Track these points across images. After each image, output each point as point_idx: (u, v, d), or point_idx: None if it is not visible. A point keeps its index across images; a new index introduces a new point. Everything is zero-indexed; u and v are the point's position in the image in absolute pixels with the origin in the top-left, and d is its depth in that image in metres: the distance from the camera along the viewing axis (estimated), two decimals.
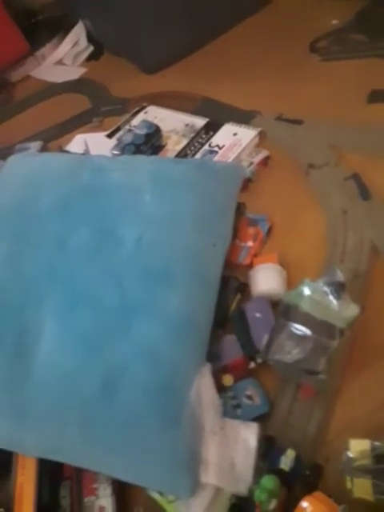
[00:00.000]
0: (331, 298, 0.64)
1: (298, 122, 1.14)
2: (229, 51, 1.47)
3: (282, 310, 0.68)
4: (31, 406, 0.64)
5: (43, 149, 1.30)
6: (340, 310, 0.63)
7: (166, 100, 1.38)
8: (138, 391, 0.62)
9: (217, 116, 1.23)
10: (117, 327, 0.67)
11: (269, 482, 0.57)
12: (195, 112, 1.28)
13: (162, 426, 0.61)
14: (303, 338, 0.63)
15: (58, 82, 1.66)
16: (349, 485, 0.56)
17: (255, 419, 0.67)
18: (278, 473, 0.59)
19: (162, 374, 0.63)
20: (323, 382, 0.63)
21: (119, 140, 1.21)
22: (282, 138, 1.12)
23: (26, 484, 0.67)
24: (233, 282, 0.83)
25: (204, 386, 0.66)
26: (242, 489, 0.59)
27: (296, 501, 0.56)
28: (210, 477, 0.60)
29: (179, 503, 0.62)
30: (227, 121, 1.18)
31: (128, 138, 1.18)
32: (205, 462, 0.61)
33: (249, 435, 0.63)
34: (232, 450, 0.62)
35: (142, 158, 0.97)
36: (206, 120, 1.22)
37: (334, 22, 1.39)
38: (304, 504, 0.55)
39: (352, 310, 0.63)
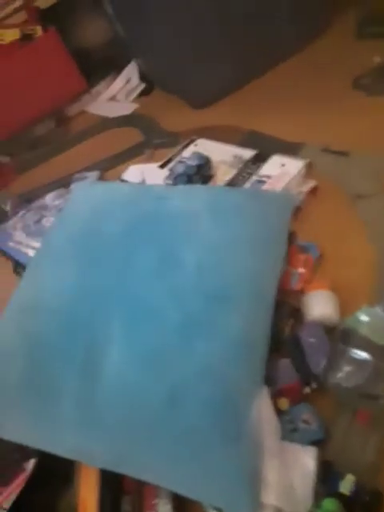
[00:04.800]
0: None
1: (344, 154, 1.17)
2: (274, 87, 1.54)
3: (340, 334, 0.70)
4: (100, 417, 0.67)
5: (100, 178, 1.39)
6: None
7: (214, 133, 1.45)
8: (201, 407, 0.64)
9: (264, 148, 1.28)
10: (180, 344, 0.70)
11: (331, 504, 0.58)
12: (243, 144, 1.33)
13: (223, 441, 0.63)
14: (363, 362, 0.64)
15: (112, 116, 1.77)
16: None
17: (312, 443, 0.68)
18: (339, 497, 0.60)
19: (223, 391, 0.66)
20: (382, 406, 0.64)
21: (172, 171, 1.28)
22: (328, 168, 1.15)
23: (88, 498, 0.70)
24: (286, 307, 0.86)
25: (263, 407, 0.68)
26: (302, 510, 0.60)
27: None
28: (270, 497, 0.61)
29: None
30: (274, 152, 1.23)
31: (180, 169, 1.24)
32: (265, 481, 0.63)
33: (307, 459, 0.65)
34: (291, 472, 0.64)
35: (198, 187, 1.03)
36: (254, 151, 1.27)
37: (377, 59, 1.44)
38: None
39: None
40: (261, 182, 1.17)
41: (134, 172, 1.31)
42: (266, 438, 0.65)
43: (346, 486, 0.61)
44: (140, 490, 0.70)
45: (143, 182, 1.22)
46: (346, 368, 0.65)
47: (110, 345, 0.72)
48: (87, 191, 1.01)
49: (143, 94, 1.83)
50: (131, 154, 1.50)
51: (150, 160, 1.45)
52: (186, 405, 0.65)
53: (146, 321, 0.73)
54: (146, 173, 1.29)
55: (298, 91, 1.46)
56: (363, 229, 0.99)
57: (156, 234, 0.83)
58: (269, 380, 0.74)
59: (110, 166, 1.47)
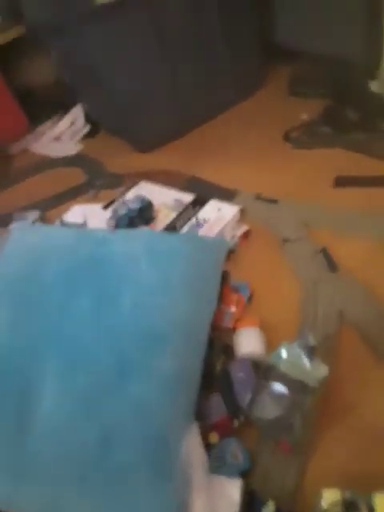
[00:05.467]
0: (304, 359, 0.72)
1: (274, 201, 1.28)
2: (213, 136, 1.66)
3: (263, 370, 0.76)
4: (31, 464, 0.67)
5: (41, 218, 1.41)
6: (312, 370, 0.72)
7: (156, 176, 1.52)
8: (132, 447, 0.67)
9: (203, 193, 1.37)
10: (113, 386, 0.72)
11: None
12: (183, 188, 1.41)
13: (154, 479, 0.65)
14: (281, 396, 0.70)
15: (56, 156, 1.80)
16: None
17: (238, 476, 0.72)
18: None
19: (155, 430, 0.68)
20: (298, 436, 0.70)
21: (114, 212, 1.32)
22: (260, 214, 1.26)
23: None
24: (218, 344, 0.91)
25: (193, 443, 0.71)
26: None
27: None
28: None
29: None
30: (212, 197, 1.32)
31: (122, 211, 1.29)
32: None
33: (233, 490, 0.68)
34: (217, 504, 0.67)
35: (137, 232, 1.08)
36: (193, 196, 1.35)
37: (304, 116, 1.61)
38: None
39: (322, 371, 0.72)
40: (199, 225, 1.24)
41: (76, 213, 1.34)
42: (194, 473, 0.68)
43: None
44: None
45: (85, 223, 1.26)
46: (267, 402, 0.70)
47: (43, 390, 0.73)
48: (26, 233, 1.03)
49: (88, 135, 1.87)
50: (74, 194, 1.53)
51: (93, 200, 1.49)
52: (118, 445, 0.67)
53: (80, 363, 0.75)
54: (88, 214, 1.33)
55: (234, 141, 1.59)
56: (290, 270, 1.08)
57: (94, 277, 0.87)
58: (201, 415, 0.78)
59: (51, 205, 1.47)
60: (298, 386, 0.70)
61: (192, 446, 0.71)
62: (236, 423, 0.79)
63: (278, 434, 0.72)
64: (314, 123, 1.56)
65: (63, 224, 1.28)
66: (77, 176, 1.65)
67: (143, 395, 0.71)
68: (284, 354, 0.75)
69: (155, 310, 0.82)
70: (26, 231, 1.05)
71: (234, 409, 0.79)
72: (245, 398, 0.79)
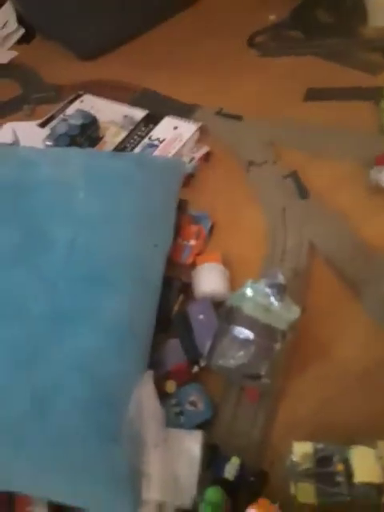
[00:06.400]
0: (273, 300, 0.63)
1: (238, 118, 1.13)
2: (166, 41, 1.43)
3: (224, 312, 0.67)
4: None
5: None
6: (282, 312, 0.62)
7: (102, 89, 1.31)
8: (73, 408, 0.58)
9: (156, 108, 1.19)
10: (48, 338, 0.61)
11: (213, 494, 0.56)
12: (134, 103, 1.23)
13: (99, 443, 0.57)
14: (246, 341, 0.61)
15: None
16: (293, 490, 0.56)
17: (199, 426, 0.65)
18: (223, 482, 0.58)
19: (99, 388, 0.59)
20: (266, 385, 0.62)
21: (52, 130, 1.13)
22: (222, 133, 1.11)
23: None
24: (175, 283, 0.80)
25: (145, 396, 0.62)
26: (187, 502, 0.57)
27: (241, 508, 0.55)
28: (152, 492, 0.57)
29: None
30: (167, 113, 1.15)
31: (62, 129, 1.10)
32: (147, 476, 0.58)
33: (192, 444, 0.61)
34: (175, 461, 0.60)
35: (74, 151, 0.91)
36: (146, 112, 1.17)
37: (271, 17, 1.40)
38: None
39: (294, 313, 0.63)
40: (153, 145, 1.08)
41: (6, 131, 1.13)
42: (148, 430, 0.60)
43: (231, 470, 0.59)
44: (11, 499, 0.62)
45: (16, 142, 1.06)
46: (230, 348, 0.62)
47: None
48: None
49: (22, 41, 1.60)
50: (7, 110, 1.32)
51: (29, 117, 1.28)
52: (55, 407, 0.57)
53: (7, 313, 0.63)
54: (21, 132, 1.12)
55: (192, 48, 1.37)
56: (256, 198, 0.96)
57: (19, 207, 0.71)
58: (156, 362, 0.70)
59: None
60: (265, 330, 0.61)
61: (145, 398, 0.63)
62: (196, 369, 0.71)
63: (243, 383, 0.64)
64: (281, 26, 1.36)
65: None
66: (10, 88, 1.41)
67: (83, 347, 0.61)
68: (249, 293, 0.65)
69: (97, 249, 0.69)
70: None
71: (193, 354, 0.70)
72: (205, 342, 0.70)
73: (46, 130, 1.16)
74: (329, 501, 0.54)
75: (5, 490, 0.60)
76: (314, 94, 1.13)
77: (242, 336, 0.62)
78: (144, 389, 0.63)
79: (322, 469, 0.55)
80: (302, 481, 0.55)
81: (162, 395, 0.66)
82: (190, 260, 0.86)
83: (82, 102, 1.25)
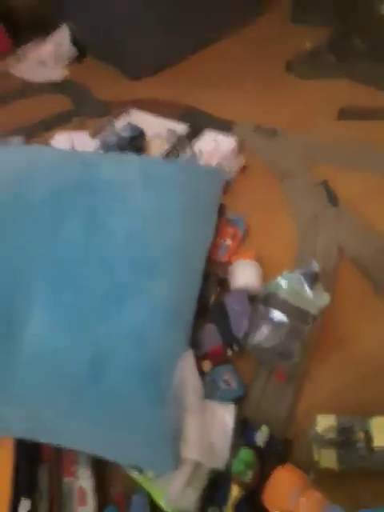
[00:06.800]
0: (306, 286, 0.70)
1: (274, 133, 1.22)
2: (210, 64, 1.54)
3: (262, 297, 0.74)
4: (16, 386, 0.65)
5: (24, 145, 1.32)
6: (314, 298, 0.69)
7: (149, 106, 1.43)
8: (125, 372, 0.65)
9: (198, 123, 1.29)
10: (106, 310, 0.69)
11: (246, 454, 0.62)
12: (177, 119, 1.33)
13: (146, 405, 0.64)
14: (280, 323, 0.68)
15: (39, 81, 1.67)
16: (316, 456, 0.62)
17: (233, 400, 0.72)
18: (254, 448, 0.64)
19: (148, 356, 0.67)
20: (296, 365, 0.69)
21: (103, 141, 1.24)
22: (258, 147, 1.19)
23: (2, 466, 0.67)
24: (213, 277, 0.88)
25: (187, 369, 0.70)
26: (220, 464, 0.64)
27: (269, 472, 0.61)
28: (190, 452, 0.64)
29: (161, 479, 0.65)
30: (208, 128, 1.24)
31: (112, 140, 1.21)
32: (186, 439, 0.65)
33: (226, 415, 0.68)
34: (211, 428, 0.67)
35: (130, 156, 1.01)
36: (188, 126, 1.27)
37: (307, 44, 1.50)
38: (276, 474, 0.60)
39: (324, 299, 0.70)
40: (194, 156, 1.17)
41: (63, 139, 1.25)
42: (188, 398, 0.68)
43: (261, 437, 0.65)
44: (58, 458, 0.70)
45: (73, 149, 1.18)
46: (265, 329, 0.69)
47: (31, 313, 0.69)
48: (10, 154, 0.95)
49: (75, 60, 1.74)
50: (59, 122, 1.43)
51: (79, 128, 1.40)
52: (110, 370, 0.65)
53: (71, 287, 0.71)
54: (75, 141, 1.24)
55: (232, 71, 1.49)
56: (288, 205, 1.04)
57: (84, 201, 0.81)
58: (195, 344, 0.77)
59: (35, 132, 1.38)
60: (298, 313, 0.68)
61: (186, 371, 0.70)
62: (230, 353, 0.78)
63: (275, 362, 0.71)
64: (317, 52, 1.45)
65: None
66: (62, 103, 1.53)
67: (136, 321, 0.69)
68: (284, 282, 0.72)
69: (150, 240, 0.78)
70: (8, 152, 0.97)
71: (228, 339, 0.78)
72: (240, 329, 0.78)
73: (97, 141, 1.27)
74: (349, 466, 0.60)
75: (58, 444, 0.67)
76: (346, 113, 1.21)
77: (277, 319, 0.69)
78: (186, 363, 0.70)
79: (344, 437, 0.60)
80: (325, 447, 0.61)
81: (200, 373, 0.74)
82: (225, 258, 0.94)
83: (129, 116, 1.37)
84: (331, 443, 0.61)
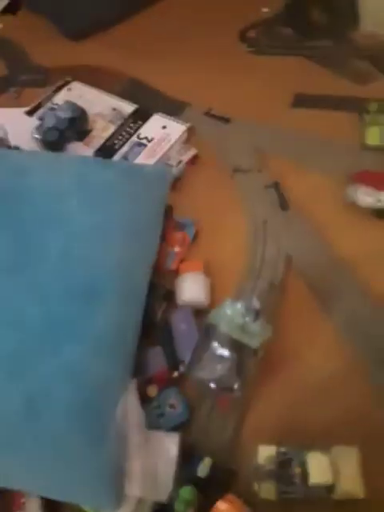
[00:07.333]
0: (248, 320, 0.69)
1: (226, 120, 1.15)
2: (156, 26, 1.40)
3: (205, 328, 0.73)
4: None
5: None
6: (255, 331, 0.69)
7: (91, 75, 1.30)
8: (63, 413, 0.63)
9: (145, 102, 1.19)
10: (40, 347, 0.66)
11: (186, 493, 0.64)
12: (122, 94, 1.23)
13: (87, 445, 0.63)
14: (221, 357, 0.68)
15: None
16: (256, 488, 0.65)
17: (177, 426, 0.73)
18: (196, 480, 0.66)
19: (88, 395, 0.64)
20: (238, 395, 0.70)
21: (41, 121, 1.13)
22: (209, 135, 1.13)
23: None
24: (159, 290, 0.85)
25: (130, 402, 0.69)
26: (163, 497, 0.65)
27: (211, 504, 0.63)
28: (134, 489, 0.65)
29: None
30: (156, 110, 1.16)
31: (50, 121, 1.10)
32: (129, 474, 0.65)
33: (171, 445, 0.69)
34: (155, 460, 0.67)
35: (67, 159, 0.92)
36: (134, 107, 1.18)
37: (265, 10, 1.38)
38: (218, 506, 0.62)
39: (267, 332, 0.70)
40: (141, 144, 1.10)
41: None
42: (131, 432, 0.67)
43: (204, 469, 0.67)
44: (6, 490, 0.69)
45: (5, 134, 1.06)
46: (207, 362, 0.68)
47: None
48: None
49: (7, 11, 1.54)
50: None
51: (15, 101, 1.26)
52: (46, 412, 0.62)
53: (0, 321, 0.66)
54: (8, 120, 1.12)
55: (182, 36, 1.36)
56: (239, 205, 1.00)
57: (11, 215, 0.73)
58: (139, 368, 0.75)
59: None
60: (239, 348, 0.68)
61: (129, 404, 0.69)
62: (175, 374, 0.77)
63: (217, 392, 0.71)
64: (274, 21, 1.35)
65: None
66: None
67: (73, 358, 0.65)
68: (227, 312, 0.71)
69: (88, 261, 0.73)
70: None
71: (173, 362, 0.77)
72: (185, 350, 0.77)
73: (34, 119, 1.16)
74: (286, 498, 0.63)
75: (1, 486, 0.66)
76: (301, 101, 1.15)
77: (218, 352, 0.68)
78: (129, 397, 0.69)
79: (282, 471, 0.63)
80: (264, 481, 0.64)
81: (144, 398, 0.73)
82: (173, 266, 0.91)
83: (69, 89, 1.24)
84: (271, 475, 0.64)
